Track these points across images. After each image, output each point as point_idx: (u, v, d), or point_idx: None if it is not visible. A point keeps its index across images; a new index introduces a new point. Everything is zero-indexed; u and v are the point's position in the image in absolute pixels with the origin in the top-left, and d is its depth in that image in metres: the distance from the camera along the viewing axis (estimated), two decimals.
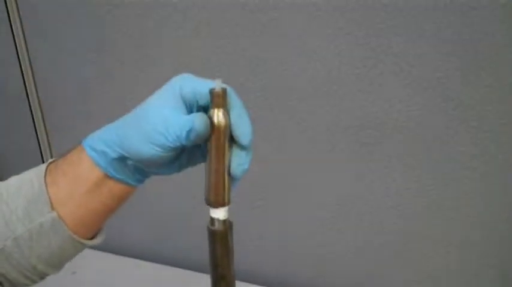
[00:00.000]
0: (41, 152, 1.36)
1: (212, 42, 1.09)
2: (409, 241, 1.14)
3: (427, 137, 1.03)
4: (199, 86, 0.55)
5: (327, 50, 1.02)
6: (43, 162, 1.34)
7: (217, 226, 0.56)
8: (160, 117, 0.54)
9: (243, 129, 0.54)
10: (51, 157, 1.39)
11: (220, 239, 0.56)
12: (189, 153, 0.60)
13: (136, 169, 0.59)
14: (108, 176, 0.59)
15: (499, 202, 1.05)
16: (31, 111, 1.31)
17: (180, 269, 1.32)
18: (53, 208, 0.59)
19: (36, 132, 1.33)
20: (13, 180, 0.63)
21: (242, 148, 0.55)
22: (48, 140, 1.34)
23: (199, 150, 0.60)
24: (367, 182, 1.12)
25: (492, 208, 1.06)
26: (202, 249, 1.31)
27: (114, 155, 0.57)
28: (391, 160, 1.08)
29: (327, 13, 0.99)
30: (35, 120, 1.32)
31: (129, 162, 0.58)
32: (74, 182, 0.60)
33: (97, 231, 0.65)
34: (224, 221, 0.56)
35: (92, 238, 0.65)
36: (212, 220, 0.56)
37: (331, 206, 1.17)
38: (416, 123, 1.03)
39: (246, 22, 1.05)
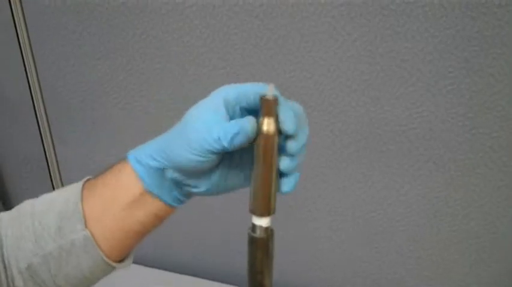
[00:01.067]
0: (46, 159, 1.36)
1: (219, 49, 1.09)
2: (416, 247, 1.14)
3: (435, 143, 1.03)
4: (244, 89, 0.54)
5: (334, 56, 1.02)
6: (48, 169, 1.35)
7: (259, 233, 0.55)
8: (201, 121, 0.53)
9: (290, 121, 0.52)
10: (57, 164, 1.40)
11: (261, 246, 0.55)
12: (227, 167, 0.58)
13: (174, 184, 0.58)
14: (146, 192, 0.58)
15: (508, 209, 1.04)
16: (37, 118, 1.30)
17: (191, 277, 1.32)
18: (86, 226, 0.58)
19: (42, 139, 1.33)
20: (46, 197, 0.62)
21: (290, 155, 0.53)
22: (53, 147, 1.34)
23: (237, 168, 0.58)
24: (376, 188, 1.11)
25: (500, 215, 1.05)
26: (213, 256, 1.31)
27: (153, 163, 0.56)
28: (399, 166, 1.07)
29: (334, 19, 0.99)
30: (41, 128, 1.31)
31: (168, 173, 0.57)
32: (112, 193, 0.58)
33: (127, 254, 0.64)
34: (266, 228, 0.55)
35: (120, 261, 0.63)
36: (254, 226, 0.55)
37: (338, 212, 1.16)
38: (424, 130, 1.02)
39: (252, 28, 1.04)
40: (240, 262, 1.31)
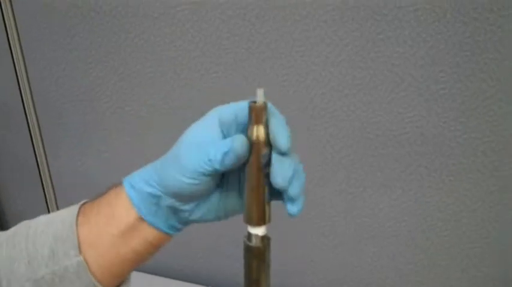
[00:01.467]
0: (37, 164, 1.35)
1: (210, 53, 1.09)
2: (408, 252, 1.13)
3: (427, 148, 1.03)
4: (240, 107, 0.52)
5: (326, 60, 1.02)
6: (40, 174, 1.34)
7: (255, 242, 0.53)
8: (194, 144, 0.52)
9: (280, 135, 0.50)
10: (48, 169, 1.39)
11: (257, 255, 0.54)
12: (225, 190, 0.57)
13: (170, 211, 0.56)
14: (142, 220, 0.56)
15: (500, 214, 1.04)
16: (28, 123, 1.30)
17: (182, 282, 1.31)
18: (80, 251, 0.57)
19: (33, 144, 1.32)
20: (42, 219, 0.60)
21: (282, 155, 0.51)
22: (45, 152, 1.33)
23: (236, 191, 0.57)
24: (367, 192, 1.11)
25: (492, 219, 1.05)
26: (203, 261, 1.30)
27: (148, 189, 0.55)
28: (391, 170, 1.07)
29: (326, 23, 0.99)
30: (32, 132, 1.31)
31: (163, 201, 0.55)
32: (107, 221, 0.57)
33: (121, 282, 0.62)
34: (263, 237, 0.54)
35: None
36: (250, 235, 0.54)
37: (329, 217, 1.16)
38: (416, 134, 1.02)
39: (244, 32, 1.04)
40: (229, 266, 1.30)
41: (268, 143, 0.51)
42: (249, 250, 0.54)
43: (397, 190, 1.08)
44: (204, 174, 0.51)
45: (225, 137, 0.53)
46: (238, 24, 1.04)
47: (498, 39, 0.91)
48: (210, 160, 0.50)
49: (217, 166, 0.50)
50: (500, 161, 1.00)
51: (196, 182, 0.52)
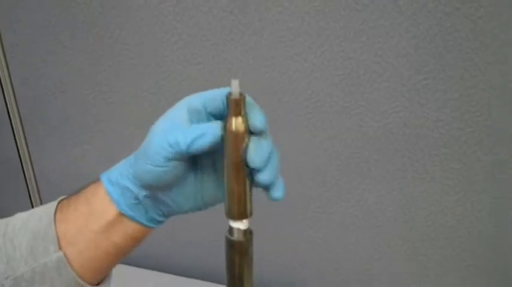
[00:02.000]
0: (19, 157, 1.34)
1: (193, 45, 1.08)
2: (392, 242, 1.14)
3: (410, 138, 1.03)
4: (210, 95, 0.52)
5: (309, 51, 1.01)
6: (24, 174, 1.33)
7: (237, 236, 0.52)
8: (160, 130, 0.52)
9: (257, 113, 0.51)
10: (31, 162, 1.38)
11: (240, 250, 0.53)
12: (200, 179, 0.57)
13: (149, 204, 0.56)
14: (122, 214, 0.56)
15: (483, 203, 1.05)
16: (9, 115, 1.29)
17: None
18: (60, 247, 0.56)
19: (15, 137, 1.31)
20: (20, 216, 0.60)
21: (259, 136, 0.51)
22: (27, 144, 1.32)
23: (213, 180, 0.57)
24: (351, 183, 1.11)
25: (475, 209, 1.06)
26: (187, 253, 1.30)
27: (125, 183, 0.55)
28: (375, 161, 1.07)
29: (308, 14, 0.98)
30: (13, 125, 1.29)
31: (140, 194, 0.55)
32: (85, 218, 0.56)
33: (104, 277, 0.62)
34: (245, 231, 0.53)
35: (97, 284, 0.61)
36: (231, 229, 0.53)
37: (314, 209, 1.16)
38: (399, 125, 1.02)
39: (226, 24, 1.04)
40: (211, 256, 1.30)
41: (248, 134, 0.50)
42: (231, 245, 0.53)
43: (381, 180, 1.09)
44: (169, 158, 0.51)
45: (195, 122, 0.53)
46: (220, 16, 1.04)
47: (480, 29, 0.91)
48: (176, 143, 0.50)
49: (183, 147, 0.50)
50: (482, 151, 1.00)
51: (165, 169, 0.51)
